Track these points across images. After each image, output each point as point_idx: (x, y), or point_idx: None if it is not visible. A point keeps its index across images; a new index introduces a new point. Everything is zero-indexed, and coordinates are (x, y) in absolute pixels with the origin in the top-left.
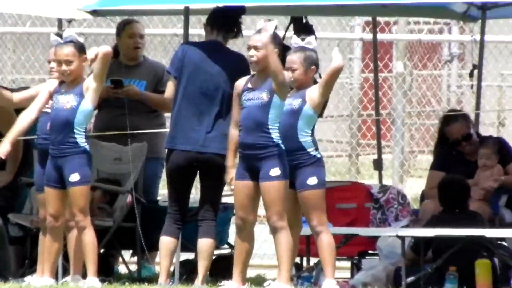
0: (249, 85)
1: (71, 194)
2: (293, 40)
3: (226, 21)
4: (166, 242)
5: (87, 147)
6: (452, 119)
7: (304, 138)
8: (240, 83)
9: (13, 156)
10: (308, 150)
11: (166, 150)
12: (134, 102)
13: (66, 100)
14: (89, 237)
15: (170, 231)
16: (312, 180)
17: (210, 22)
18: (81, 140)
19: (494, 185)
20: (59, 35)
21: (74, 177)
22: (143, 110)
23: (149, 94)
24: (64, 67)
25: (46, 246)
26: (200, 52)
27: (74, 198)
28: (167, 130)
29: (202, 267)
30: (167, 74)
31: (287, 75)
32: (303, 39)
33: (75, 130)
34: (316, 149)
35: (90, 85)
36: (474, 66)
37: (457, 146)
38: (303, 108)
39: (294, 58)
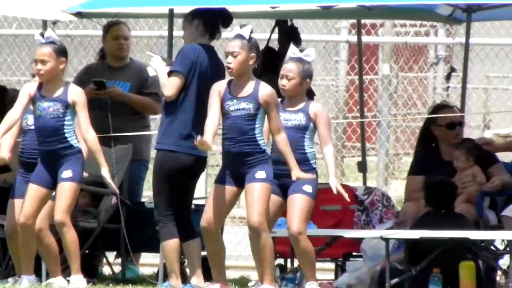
0: (232, 93)
1: (59, 189)
2: (291, 50)
3: (218, 26)
4: (173, 244)
5: (81, 146)
6: (446, 106)
7: (309, 149)
8: (220, 87)
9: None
10: (311, 162)
11: (165, 152)
12: (118, 104)
13: (51, 108)
14: (70, 236)
15: (174, 233)
16: (308, 188)
17: (206, 25)
18: (74, 141)
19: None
20: (43, 34)
21: (67, 173)
22: (127, 112)
23: (132, 96)
24: (39, 65)
25: (20, 245)
26: (206, 56)
27: (61, 193)
28: (153, 132)
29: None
30: (154, 76)
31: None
32: (301, 50)
33: (66, 135)
34: (315, 162)
35: (76, 107)
36: (452, 69)
37: (452, 128)
38: (310, 125)
39: (291, 67)
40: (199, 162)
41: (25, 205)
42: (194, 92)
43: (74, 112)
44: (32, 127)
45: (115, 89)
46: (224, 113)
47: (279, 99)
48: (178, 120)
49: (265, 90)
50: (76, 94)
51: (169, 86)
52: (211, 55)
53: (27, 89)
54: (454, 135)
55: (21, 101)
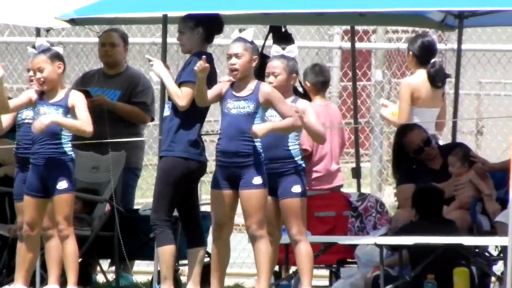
0: (234, 93)
1: (57, 202)
2: (274, 49)
3: (214, 33)
4: (169, 250)
5: (74, 155)
6: (407, 129)
7: (293, 146)
8: (224, 86)
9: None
10: (296, 159)
11: (176, 158)
12: (108, 112)
13: (49, 112)
14: (71, 246)
15: (171, 239)
16: (296, 188)
17: (208, 34)
18: (68, 148)
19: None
20: (34, 46)
21: (62, 184)
22: (115, 120)
23: (118, 105)
24: (38, 75)
25: (21, 254)
26: (212, 64)
27: (60, 206)
28: (146, 139)
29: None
30: (143, 85)
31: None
32: (283, 48)
33: (62, 140)
34: (302, 158)
35: (76, 109)
36: (446, 75)
37: (421, 153)
38: None
39: (276, 64)
40: (203, 168)
41: (26, 216)
42: None
43: (74, 117)
44: (26, 121)
45: (99, 98)
46: (223, 112)
47: None
48: (186, 127)
49: (265, 88)
50: (76, 98)
51: (184, 97)
52: (212, 62)
53: (29, 93)
54: (426, 155)
55: (19, 99)
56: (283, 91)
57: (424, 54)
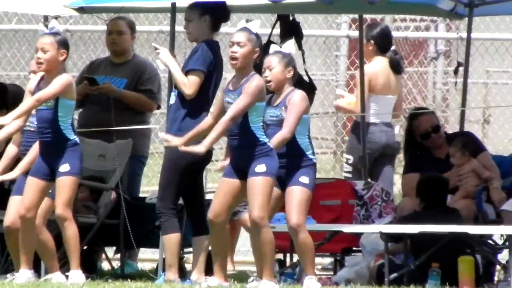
0: (230, 87)
1: (58, 184)
2: (272, 48)
3: (221, 21)
4: (174, 238)
5: (77, 139)
6: (419, 113)
7: (302, 140)
8: (225, 84)
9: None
10: (307, 153)
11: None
12: (113, 100)
13: None
14: (71, 230)
15: (176, 227)
16: (304, 179)
17: (217, 22)
18: (69, 133)
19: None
20: (47, 26)
21: (64, 167)
22: (122, 108)
23: (125, 93)
24: (39, 54)
25: (20, 238)
26: (217, 52)
27: (60, 188)
28: (152, 126)
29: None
30: (149, 73)
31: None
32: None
33: (61, 127)
34: (313, 153)
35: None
36: (459, 64)
37: (427, 139)
38: None
39: (271, 58)
40: (210, 157)
41: (25, 198)
42: (206, 88)
43: (67, 106)
44: (27, 128)
45: (106, 86)
46: (225, 106)
47: (269, 95)
48: (193, 116)
49: (249, 81)
50: (57, 79)
51: (191, 85)
52: (218, 51)
53: (28, 88)
54: (431, 142)
55: (24, 107)
56: (279, 86)
57: (384, 41)
